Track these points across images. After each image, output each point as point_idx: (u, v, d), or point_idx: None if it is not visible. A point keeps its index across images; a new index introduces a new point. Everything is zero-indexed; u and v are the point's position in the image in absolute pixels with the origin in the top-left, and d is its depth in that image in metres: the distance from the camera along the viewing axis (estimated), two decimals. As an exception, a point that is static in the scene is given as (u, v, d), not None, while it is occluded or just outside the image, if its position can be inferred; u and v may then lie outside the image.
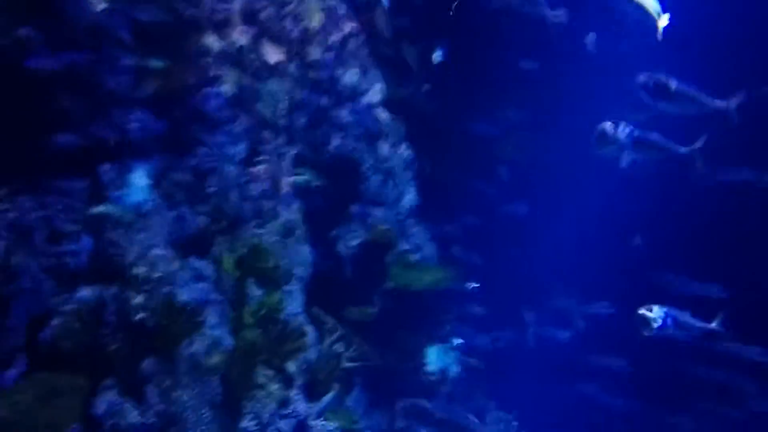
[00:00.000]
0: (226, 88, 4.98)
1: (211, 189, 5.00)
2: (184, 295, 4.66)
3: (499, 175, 7.80)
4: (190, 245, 4.91)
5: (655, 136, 5.01)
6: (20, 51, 3.95)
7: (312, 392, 5.75)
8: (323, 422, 5.63)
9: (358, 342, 6.42)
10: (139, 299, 4.39)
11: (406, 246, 7.21)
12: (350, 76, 6.32)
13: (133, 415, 4.22)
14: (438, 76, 7.09)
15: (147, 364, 4.33)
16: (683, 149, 5.17)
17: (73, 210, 4.41)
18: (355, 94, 6.46)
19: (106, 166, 4.55)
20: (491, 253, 7.90)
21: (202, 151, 4.96)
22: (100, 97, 4.38)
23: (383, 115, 6.80)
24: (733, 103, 5.17)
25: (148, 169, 4.72)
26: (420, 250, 7.40)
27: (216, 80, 4.94)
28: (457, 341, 7.07)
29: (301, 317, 5.82)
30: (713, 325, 5.54)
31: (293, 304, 5.77)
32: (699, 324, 5.41)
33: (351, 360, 6.17)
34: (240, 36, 5.05)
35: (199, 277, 4.89)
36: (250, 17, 5.19)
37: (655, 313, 5.23)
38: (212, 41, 4.85)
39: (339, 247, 6.76)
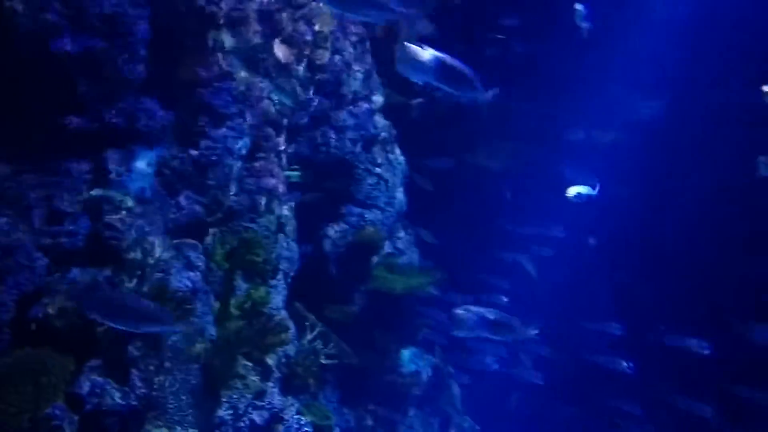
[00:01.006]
0: (236, 84, 5.06)
1: (211, 181, 5.08)
2: (175, 283, 4.75)
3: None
4: (185, 234, 5.00)
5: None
6: (46, 34, 4.00)
7: (288, 386, 5.88)
8: (297, 416, 5.76)
9: (336, 340, 6.56)
10: (131, 283, 4.47)
11: (391, 249, 7.37)
12: (353, 81, 6.44)
13: (116, 397, 4.31)
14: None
15: (134, 348, 4.42)
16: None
17: (74, 191, 4.47)
18: (356, 98, 6.59)
19: (112, 151, 4.61)
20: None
21: (206, 143, 5.04)
22: (114, 84, 4.44)
23: (381, 120, 6.94)
24: None
25: (152, 156, 4.80)
26: (404, 254, 7.56)
27: (227, 76, 5.03)
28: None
29: (283, 312, 5.94)
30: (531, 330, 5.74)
31: (277, 298, 5.89)
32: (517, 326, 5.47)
33: (328, 357, 6.32)
34: (254, 35, 5.14)
35: (190, 266, 4.98)
36: (265, 17, 5.27)
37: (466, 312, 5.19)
38: (227, 38, 4.93)
39: (326, 246, 6.89)
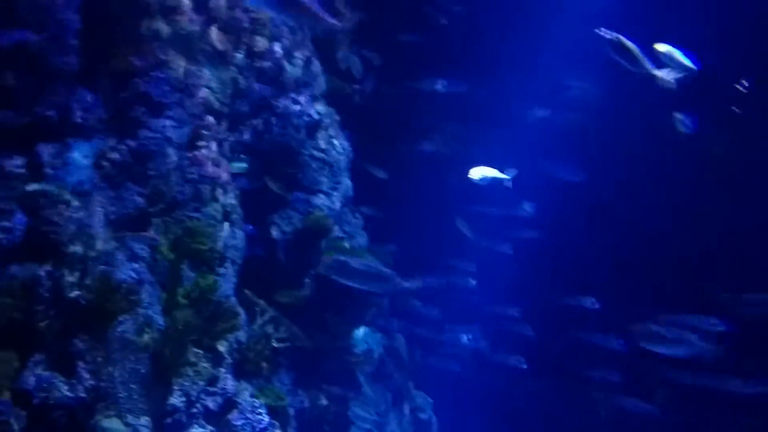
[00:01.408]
0: (173, 73, 5.05)
1: (152, 171, 5.08)
2: (119, 275, 4.76)
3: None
4: (128, 226, 5.00)
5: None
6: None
7: (241, 371, 5.95)
8: (251, 399, 5.85)
9: (288, 324, 6.65)
10: (73, 277, 4.46)
11: (340, 233, 7.47)
12: (294, 67, 6.47)
13: (64, 390, 4.32)
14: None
15: (79, 340, 4.43)
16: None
17: (8, 188, 4.42)
18: (297, 85, 6.63)
19: (46, 145, 4.57)
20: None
21: (145, 133, 5.03)
22: (45, 77, 4.39)
23: (323, 106, 7.01)
24: None
25: (89, 149, 4.77)
26: (353, 238, 7.68)
27: (163, 65, 5.01)
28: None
29: (233, 299, 5.99)
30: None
31: (226, 286, 5.93)
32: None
33: (280, 341, 6.41)
34: (189, 23, 5.12)
35: (134, 257, 4.99)
36: (200, 5, 5.26)
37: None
38: (162, 26, 4.91)
39: (274, 233, 6.95)
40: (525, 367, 7.47)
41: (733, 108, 7.19)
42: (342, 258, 5.79)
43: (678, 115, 6.16)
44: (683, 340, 5.88)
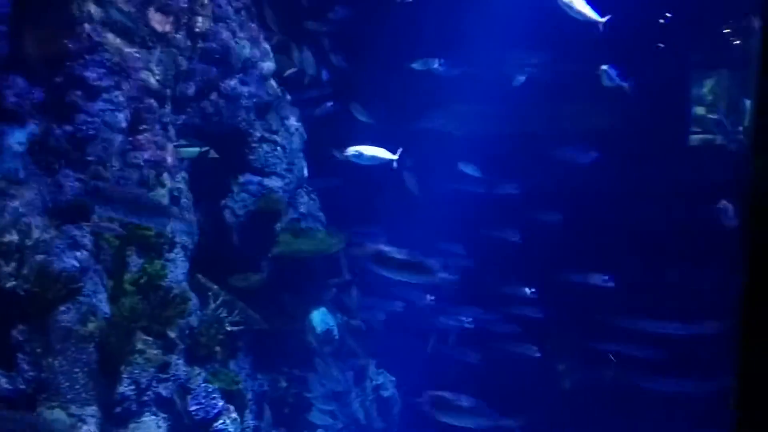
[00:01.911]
0: (108, 55, 4.92)
1: (91, 157, 4.97)
2: (59, 264, 4.67)
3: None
4: (68, 213, 4.89)
5: None
6: None
7: (194, 357, 5.92)
8: (204, 384, 5.83)
9: (243, 307, 6.62)
10: (9, 267, 4.37)
11: (295, 215, 7.43)
12: (241, 48, 6.36)
13: (2, 382, 4.25)
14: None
15: (18, 331, 4.35)
16: None
17: (-63, 175, 4.29)
18: (245, 66, 6.52)
19: (-23, 131, 4.44)
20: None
21: (82, 118, 4.91)
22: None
23: (273, 86, 6.90)
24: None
25: (23, 135, 4.64)
26: (309, 218, 7.63)
27: (98, 47, 4.87)
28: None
29: (184, 284, 5.94)
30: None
31: (176, 271, 5.87)
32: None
33: (235, 324, 6.38)
34: (124, 4, 4.98)
35: (75, 245, 4.90)
36: (136, -15, 5.12)
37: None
38: (94, 8, 4.77)
39: (227, 216, 6.87)
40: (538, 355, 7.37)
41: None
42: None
43: (604, 68, 6.13)
44: None
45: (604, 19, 5.56)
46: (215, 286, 6.43)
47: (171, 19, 5.37)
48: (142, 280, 5.44)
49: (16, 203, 4.50)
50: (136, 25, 5.06)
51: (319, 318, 7.76)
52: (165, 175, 5.70)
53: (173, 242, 5.85)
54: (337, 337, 7.71)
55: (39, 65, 4.70)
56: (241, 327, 6.43)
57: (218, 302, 6.23)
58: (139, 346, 5.31)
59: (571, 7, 5.49)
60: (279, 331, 7.19)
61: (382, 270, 5.67)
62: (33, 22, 4.62)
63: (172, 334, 5.61)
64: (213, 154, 6.94)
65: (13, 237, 4.43)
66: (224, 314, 6.26)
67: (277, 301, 7.21)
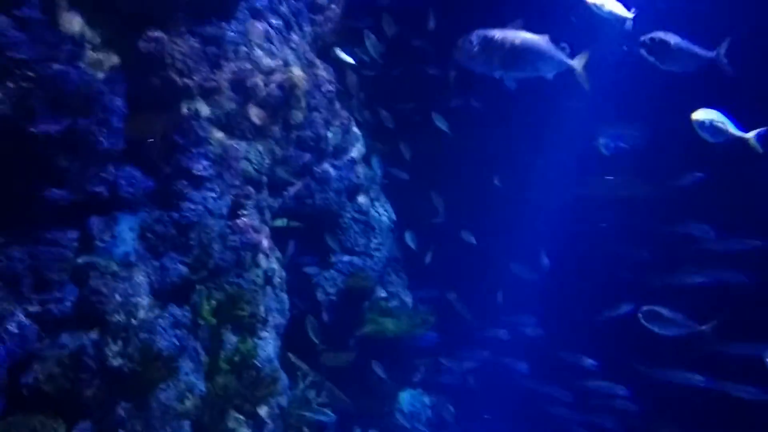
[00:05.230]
0: (212, 148, 5.33)
1: (194, 241, 5.31)
2: (160, 342, 4.93)
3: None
4: (171, 294, 5.20)
5: None
6: (26, 117, 4.30)
7: (282, 436, 5.98)
8: (292, 463, 5.85)
9: (331, 387, 6.66)
10: (116, 346, 4.66)
11: (383, 293, 7.52)
12: (332, 134, 6.70)
13: (106, 458, 4.46)
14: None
15: (121, 408, 4.58)
16: None
17: (61, 260, 4.70)
18: (336, 150, 6.85)
19: (96, 219, 4.86)
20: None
21: (187, 205, 5.29)
22: (94, 156, 4.71)
23: (363, 169, 7.18)
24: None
25: (135, 221, 5.04)
26: (396, 297, 7.70)
27: (203, 141, 5.30)
28: None
29: (275, 363, 6.08)
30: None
31: (268, 350, 6.03)
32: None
33: (323, 405, 6.41)
34: (228, 102, 5.43)
35: (176, 324, 5.17)
36: (238, 85, 5.58)
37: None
38: (202, 106, 5.22)
39: (317, 294, 7.06)
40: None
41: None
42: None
43: (601, 140, 6.07)
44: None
45: (631, 14, 5.48)
46: (305, 365, 6.54)
47: (268, 112, 5.79)
48: (235, 359, 5.62)
49: (125, 285, 4.84)
50: (237, 120, 5.48)
51: (408, 400, 7.68)
52: (260, 257, 5.98)
53: (266, 321, 6.04)
54: (425, 420, 7.58)
55: (151, 158, 5.14)
56: (330, 408, 6.46)
57: (307, 382, 6.32)
58: (231, 424, 5.43)
59: (600, 9, 5.46)
60: (367, 411, 7.16)
61: None
62: (146, 119, 5.10)
63: (262, 414, 5.71)
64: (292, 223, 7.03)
65: (121, 317, 4.73)
66: (313, 395, 6.32)
67: (366, 380, 7.22)
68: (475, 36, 4.57)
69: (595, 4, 5.50)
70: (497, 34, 4.58)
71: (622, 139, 6.85)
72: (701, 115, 5.29)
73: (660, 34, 5.33)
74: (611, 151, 6.82)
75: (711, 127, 5.27)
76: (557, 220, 7.62)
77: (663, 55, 5.33)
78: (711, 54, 5.43)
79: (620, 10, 5.54)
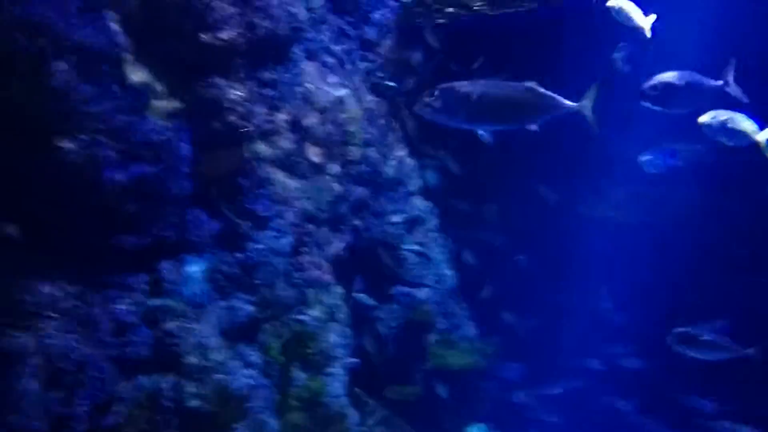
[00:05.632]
0: (273, 188, 5.45)
1: (259, 280, 5.40)
2: (233, 382, 4.99)
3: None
4: (239, 333, 5.28)
5: None
6: (98, 167, 4.50)
7: (354, 474, 5.92)
8: (365, 503, 5.77)
9: (401, 424, 6.59)
10: (192, 387, 4.73)
11: (445, 325, 7.45)
12: (387, 168, 6.77)
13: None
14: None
15: (198, 449, 4.63)
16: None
17: (135, 303, 4.84)
18: (392, 183, 6.90)
19: (165, 262, 5.01)
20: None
21: (251, 245, 5.40)
22: (163, 201, 4.88)
23: (420, 201, 7.21)
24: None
25: (202, 263, 5.16)
26: (459, 329, 7.61)
27: (265, 182, 5.43)
28: None
29: (343, 399, 6.06)
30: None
31: (335, 385, 6.02)
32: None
33: (392, 441, 6.34)
34: (286, 142, 5.57)
35: (247, 363, 5.23)
36: (295, 125, 5.73)
37: None
38: (262, 148, 5.38)
39: (380, 328, 7.04)
40: None
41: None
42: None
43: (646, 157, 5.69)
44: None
45: (650, 21, 5.18)
46: (372, 401, 6.49)
47: (325, 150, 5.91)
48: (305, 396, 5.63)
49: (197, 326, 4.93)
50: (296, 159, 5.61)
51: (476, 433, 7.51)
52: (323, 293, 6.02)
53: (332, 357, 6.05)
54: (495, 454, 7.39)
55: (216, 200, 5.29)
56: (399, 443, 6.38)
57: (376, 418, 6.27)
58: (304, 462, 5.42)
59: (619, 13, 5.20)
60: (436, 448, 7.04)
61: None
62: (210, 163, 5.26)
63: (333, 451, 5.68)
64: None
65: (195, 358, 4.82)
66: (381, 430, 6.26)
67: (433, 415, 7.11)
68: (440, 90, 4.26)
69: (614, 8, 5.30)
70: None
71: (676, 155, 6.48)
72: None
73: (662, 78, 4.89)
74: (660, 170, 6.43)
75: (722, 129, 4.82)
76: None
77: (671, 99, 4.89)
78: (718, 83, 5.01)
79: (638, 18, 5.21)
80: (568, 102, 4.41)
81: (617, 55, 6.04)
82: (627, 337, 7.14)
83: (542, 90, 4.29)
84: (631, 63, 6.06)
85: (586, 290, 7.55)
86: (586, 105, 4.44)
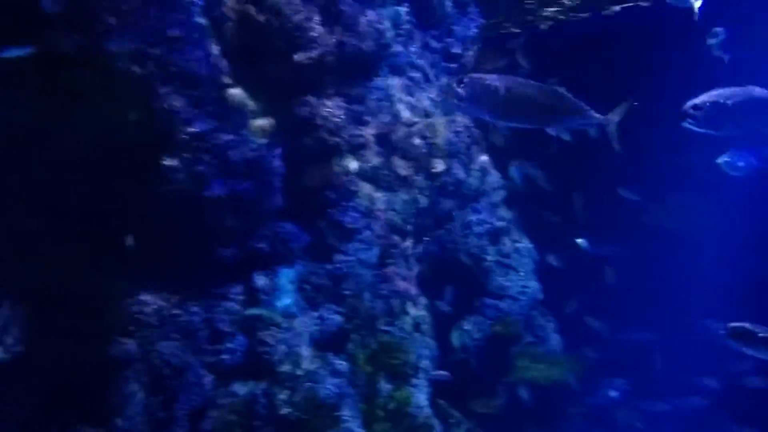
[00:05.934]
0: (360, 201, 5.57)
1: (347, 291, 5.52)
2: (323, 391, 5.12)
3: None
4: (328, 343, 5.41)
5: None
6: (199, 184, 4.75)
7: (440, 486, 5.93)
8: None
9: (485, 435, 6.55)
10: (284, 395, 4.89)
11: (530, 338, 7.34)
12: (472, 179, 6.77)
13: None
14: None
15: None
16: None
17: (231, 313, 5.06)
18: (477, 194, 6.89)
19: (259, 274, 5.21)
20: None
21: (339, 257, 5.53)
22: (257, 215, 5.09)
23: (504, 212, 7.16)
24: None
25: (293, 274, 5.33)
26: (545, 342, 7.48)
27: (353, 195, 5.56)
28: None
29: (427, 410, 6.08)
30: None
31: (420, 397, 6.05)
32: None
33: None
34: (373, 155, 5.69)
35: (335, 372, 5.35)
36: (382, 138, 5.84)
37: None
38: (351, 162, 5.52)
39: (465, 340, 7.03)
40: None
41: None
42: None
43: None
44: None
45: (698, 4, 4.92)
46: (456, 413, 6.49)
47: (412, 163, 5.99)
48: (390, 406, 5.69)
49: (289, 335, 5.10)
50: (383, 172, 5.72)
51: (562, 450, 7.35)
52: (408, 304, 6.08)
53: (417, 368, 6.09)
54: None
55: (306, 213, 5.46)
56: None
57: (461, 431, 6.26)
58: (391, 473, 5.48)
59: None
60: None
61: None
62: (302, 177, 5.44)
63: (419, 462, 5.71)
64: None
65: (287, 367, 4.98)
66: (468, 443, 6.25)
67: (517, 429, 7.02)
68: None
69: None
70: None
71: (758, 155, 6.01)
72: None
73: (708, 97, 4.22)
74: (741, 172, 6.01)
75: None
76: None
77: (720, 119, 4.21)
78: None
79: None
80: (594, 113, 4.21)
81: (712, 41, 5.72)
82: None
83: (568, 95, 4.16)
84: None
85: (682, 300, 7.27)
86: (612, 119, 4.15)
